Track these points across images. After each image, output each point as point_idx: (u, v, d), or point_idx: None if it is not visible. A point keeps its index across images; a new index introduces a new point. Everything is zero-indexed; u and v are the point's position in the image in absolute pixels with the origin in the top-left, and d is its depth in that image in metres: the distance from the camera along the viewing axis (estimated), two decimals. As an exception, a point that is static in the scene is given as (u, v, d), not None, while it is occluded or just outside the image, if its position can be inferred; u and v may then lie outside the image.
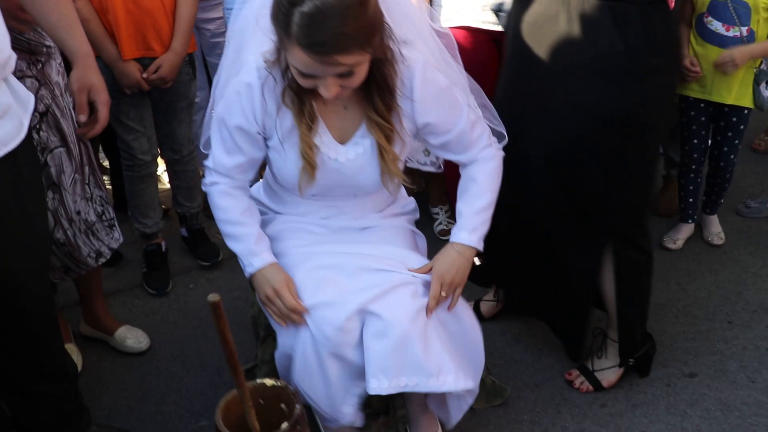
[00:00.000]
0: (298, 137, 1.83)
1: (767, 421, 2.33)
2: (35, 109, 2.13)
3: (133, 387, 2.56)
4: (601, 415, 2.37)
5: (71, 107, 2.26)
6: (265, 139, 1.90)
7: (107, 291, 2.86)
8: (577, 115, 2.11)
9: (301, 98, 1.78)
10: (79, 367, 2.57)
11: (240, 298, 2.93)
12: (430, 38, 1.91)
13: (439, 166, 2.26)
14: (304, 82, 1.69)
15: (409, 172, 3.31)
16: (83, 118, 2.02)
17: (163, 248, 3.13)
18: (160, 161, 3.39)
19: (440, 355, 1.85)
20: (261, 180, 2.19)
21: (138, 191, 3.00)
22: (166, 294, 3.04)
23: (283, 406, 1.82)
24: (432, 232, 3.31)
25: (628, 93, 2.07)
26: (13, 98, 1.72)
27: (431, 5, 2.80)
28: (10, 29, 1.94)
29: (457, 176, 2.05)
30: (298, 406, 1.75)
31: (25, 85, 2.02)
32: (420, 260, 1.98)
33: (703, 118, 3.03)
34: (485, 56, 2.78)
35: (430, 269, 1.93)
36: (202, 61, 3.30)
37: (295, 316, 1.85)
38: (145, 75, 2.72)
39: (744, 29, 2.78)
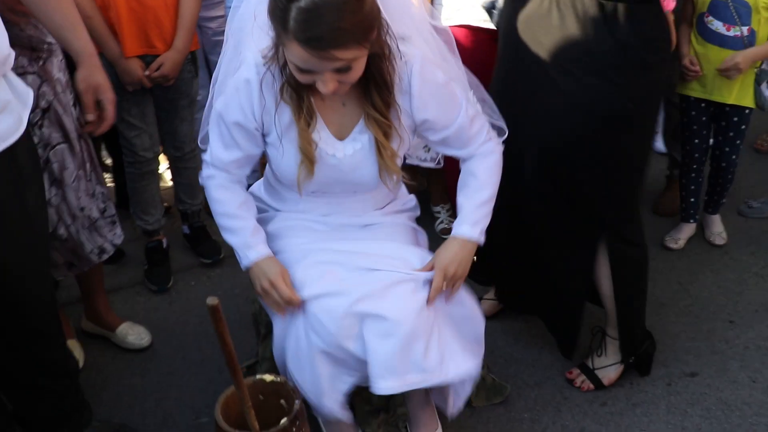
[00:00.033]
0: (296, 133, 1.83)
1: (768, 420, 2.33)
2: (37, 106, 2.14)
3: (134, 383, 2.57)
4: (601, 413, 2.37)
5: (73, 104, 2.27)
6: (264, 135, 1.90)
7: (109, 288, 2.86)
8: (570, 112, 2.12)
9: (299, 94, 1.79)
10: (81, 363, 2.58)
11: (241, 295, 2.94)
12: (428, 34, 1.92)
13: (439, 162, 2.27)
14: (301, 78, 1.70)
15: (411, 170, 3.33)
16: (91, 117, 2.06)
17: (164, 245, 3.14)
18: (163, 159, 3.41)
19: (443, 346, 1.87)
20: (262, 178, 2.19)
21: (139, 188, 3.01)
22: (167, 290, 3.05)
23: (282, 402, 1.83)
24: (433, 231, 3.31)
25: (619, 90, 2.08)
26: (12, 94, 1.73)
27: (432, 4, 2.81)
28: (9, 23, 1.96)
29: (459, 175, 2.05)
30: (297, 402, 1.76)
31: (26, 82, 2.04)
32: (422, 254, 1.98)
33: (704, 118, 3.03)
34: (486, 55, 2.78)
35: (433, 267, 1.93)
36: (204, 59, 3.31)
37: (292, 307, 1.87)
38: (147, 72, 2.74)
39: (745, 29, 2.78)
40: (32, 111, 2.11)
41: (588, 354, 2.49)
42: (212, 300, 1.50)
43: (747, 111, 2.95)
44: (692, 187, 3.19)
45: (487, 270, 2.52)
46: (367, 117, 1.83)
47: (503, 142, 2.05)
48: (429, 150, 2.51)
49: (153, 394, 2.52)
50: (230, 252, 2.87)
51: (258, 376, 1.84)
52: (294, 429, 1.71)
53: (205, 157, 1.97)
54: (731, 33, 2.81)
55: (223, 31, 2.00)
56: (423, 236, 2.16)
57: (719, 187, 3.18)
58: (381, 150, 1.85)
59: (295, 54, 1.63)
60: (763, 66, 2.87)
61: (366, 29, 1.63)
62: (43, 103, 2.16)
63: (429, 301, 1.88)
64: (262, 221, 2.08)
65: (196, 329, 2.80)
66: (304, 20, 1.56)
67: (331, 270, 1.89)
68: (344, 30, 1.57)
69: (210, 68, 3.35)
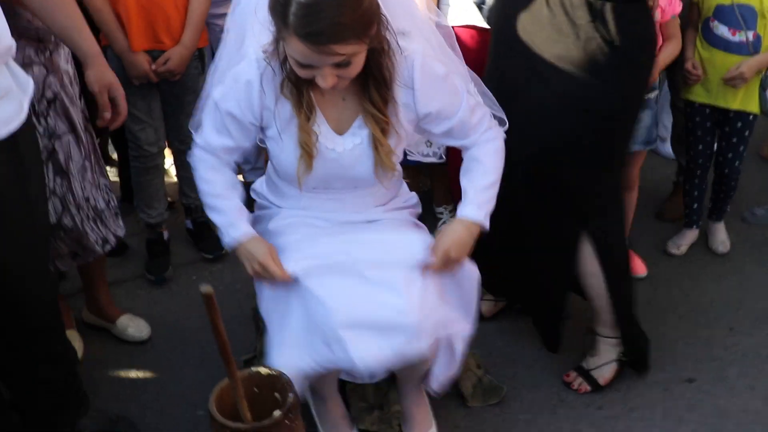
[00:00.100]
0: (296, 127, 1.84)
1: (764, 429, 2.32)
2: (43, 96, 2.17)
3: (133, 375, 2.59)
4: (597, 417, 2.37)
5: (79, 95, 2.30)
6: (263, 129, 1.92)
7: (111, 280, 2.89)
8: (558, 108, 2.15)
9: (299, 89, 1.80)
10: (80, 354, 2.60)
11: (242, 291, 2.95)
12: (427, 29, 1.93)
13: (441, 156, 2.27)
14: (301, 73, 1.71)
15: (414, 171, 3.34)
16: (109, 115, 2.11)
17: (165, 237, 3.16)
18: (168, 154, 3.43)
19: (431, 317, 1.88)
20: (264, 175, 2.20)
21: (143, 182, 3.03)
22: (164, 281, 3.07)
23: (277, 394, 1.83)
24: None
25: (607, 88, 2.11)
26: (14, 81, 1.75)
27: (438, 5, 2.81)
28: (17, 15, 1.98)
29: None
30: (291, 395, 1.76)
31: (33, 73, 2.07)
32: (424, 239, 1.99)
33: (708, 124, 3.02)
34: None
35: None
36: (212, 56, 3.32)
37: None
38: (154, 67, 2.76)
39: (750, 34, 2.78)
40: (38, 101, 2.14)
41: (584, 359, 2.50)
42: (206, 288, 1.51)
43: (751, 117, 2.95)
44: (696, 193, 3.18)
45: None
46: (365, 112, 1.84)
47: None
48: (431, 145, 2.51)
49: (151, 387, 2.53)
50: (232, 248, 2.90)
51: (253, 369, 1.84)
52: (287, 421, 1.72)
53: (197, 139, 1.98)
54: (736, 38, 2.80)
55: (231, 28, 2.01)
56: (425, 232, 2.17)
57: (722, 194, 3.17)
58: (377, 146, 1.86)
59: (295, 49, 1.64)
60: (769, 72, 2.87)
61: (366, 24, 1.64)
62: (49, 94, 2.19)
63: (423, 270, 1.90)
64: (264, 218, 2.09)
65: (196, 324, 2.81)
66: (304, 15, 1.58)
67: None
68: (344, 25, 1.59)
69: (217, 65, 3.37)
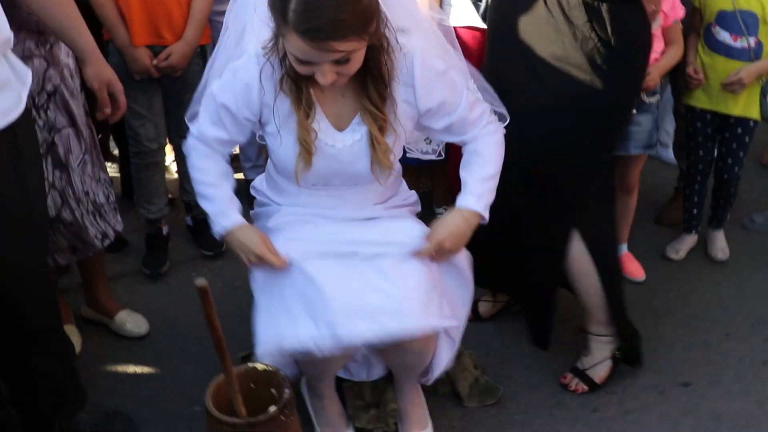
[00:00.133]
0: (295, 124, 1.85)
1: (759, 433, 2.33)
2: (43, 89, 2.18)
3: (130, 371, 2.59)
4: (593, 419, 2.38)
5: (80, 88, 2.30)
6: (262, 126, 1.93)
7: (110, 275, 2.89)
8: (552, 107, 2.17)
9: (298, 85, 1.81)
10: (78, 349, 2.61)
11: (242, 287, 2.94)
12: (427, 26, 1.94)
13: (440, 154, 2.28)
14: (301, 69, 1.72)
15: (415, 171, 3.35)
16: (109, 110, 2.14)
17: (165, 232, 3.17)
18: (169, 150, 3.44)
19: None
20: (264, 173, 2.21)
21: (143, 179, 3.05)
22: (159, 276, 3.08)
23: (273, 391, 1.84)
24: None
25: (602, 87, 2.13)
26: (12, 72, 1.77)
27: (441, 5, 2.82)
28: (17, 7, 1.99)
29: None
30: (287, 391, 1.77)
31: (33, 65, 2.07)
32: (421, 227, 2.01)
33: (709, 129, 3.03)
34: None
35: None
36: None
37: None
38: (155, 62, 2.77)
39: (752, 40, 2.79)
40: (38, 94, 2.15)
41: (578, 359, 2.50)
42: (201, 282, 1.51)
43: (752, 123, 2.95)
44: (695, 199, 3.19)
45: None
46: (363, 110, 1.85)
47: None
48: (430, 142, 2.52)
49: (149, 383, 2.54)
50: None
51: (250, 365, 1.86)
52: (283, 417, 1.73)
53: (191, 129, 2.00)
54: (738, 44, 2.81)
55: (234, 26, 2.02)
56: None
57: (722, 200, 3.17)
58: (375, 144, 1.87)
59: (295, 45, 1.65)
60: (770, 78, 2.87)
61: (365, 21, 1.64)
62: (49, 87, 2.20)
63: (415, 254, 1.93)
64: (264, 215, 2.10)
65: (194, 320, 2.81)
66: (304, 11, 1.58)
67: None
68: (343, 22, 1.59)
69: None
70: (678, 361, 2.62)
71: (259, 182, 2.19)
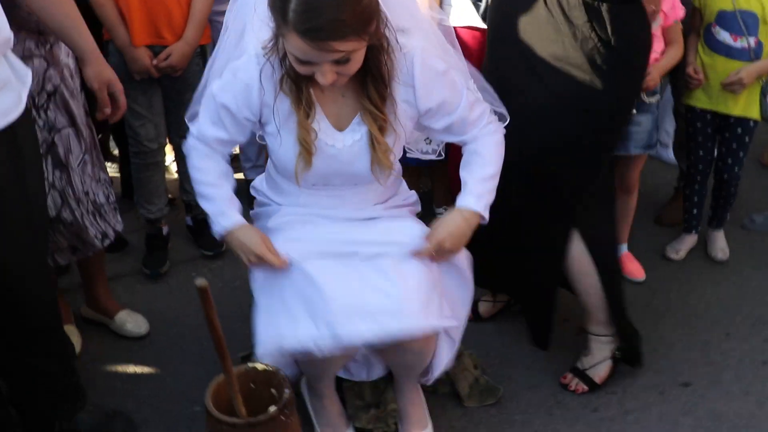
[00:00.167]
0: (295, 123, 1.85)
1: (759, 433, 2.33)
2: (43, 89, 2.18)
3: (130, 371, 2.59)
4: (592, 419, 2.38)
5: (80, 88, 2.31)
6: (262, 126, 1.93)
7: (111, 276, 2.90)
8: (554, 107, 2.17)
9: (298, 85, 1.81)
10: (78, 349, 2.61)
11: (242, 288, 2.94)
12: (427, 26, 1.94)
13: (440, 153, 2.28)
14: (301, 69, 1.72)
15: (415, 172, 3.35)
16: (108, 111, 2.14)
17: (164, 232, 3.17)
18: (169, 150, 3.44)
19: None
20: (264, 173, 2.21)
21: (143, 179, 3.05)
22: (159, 276, 3.08)
23: (273, 391, 1.84)
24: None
25: (602, 87, 2.13)
26: (12, 72, 1.77)
27: (441, 5, 2.82)
28: (17, 7, 1.99)
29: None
30: (287, 391, 1.77)
31: (33, 65, 2.07)
32: (420, 227, 2.02)
33: (709, 129, 3.03)
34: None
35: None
36: (214, 53, 3.33)
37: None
38: (155, 62, 2.77)
39: (752, 40, 2.79)
40: (38, 94, 2.15)
41: (578, 359, 2.51)
42: (201, 282, 1.51)
43: (752, 123, 2.95)
44: (695, 199, 3.19)
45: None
46: (363, 110, 1.85)
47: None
48: (430, 142, 2.52)
49: (148, 383, 2.54)
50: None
51: (250, 365, 1.86)
52: (283, 417, 1.73)
53: (191, 128, 2.00)
54: (738, 44, 2.81)
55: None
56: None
57: (722, 200, 3.17)
58: (375, 144, 1.87)
59: (295, 45, 1.65)
60: (770, 78, 2.87)
61: (365, 21, 1.64)
62: (49, 87, 2.20)
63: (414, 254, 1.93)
64: (264, 215, 2.10)
65: (194, 320, 2.81)
66: (304, 11, 1.59)
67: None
68: (343, 22, 1.59)
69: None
70: (678, 361, 2.62)
71: (259, 182, 2.19)
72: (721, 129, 3.02)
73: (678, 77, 3.06)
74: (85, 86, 2.22)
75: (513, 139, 2.09)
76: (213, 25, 3.15)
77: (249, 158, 3.55)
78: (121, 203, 3.34)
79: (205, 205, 1.99)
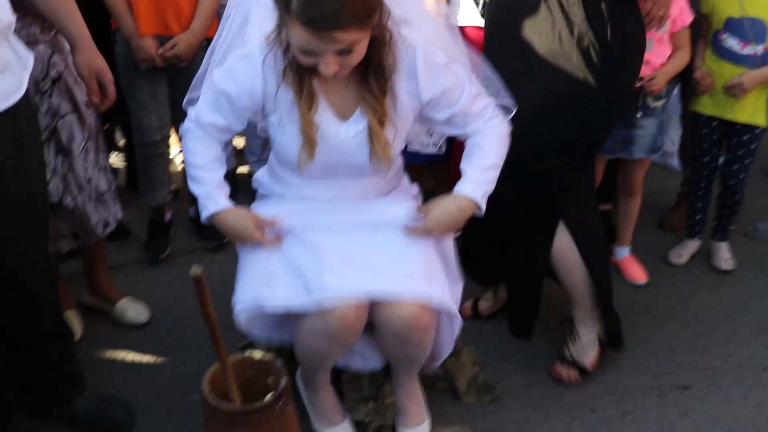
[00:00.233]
0: (298, 114, 1.85)
1: (756, 437, 2.33)
2: (47, 75, 2.19)
3: (129, 358, 2.59)
4: (590, 419, 2.37)
5: None
6: (265, 116, 1.93)
7: (113, 264, 2.91)
8: (546, 104, 2.19)
9: (301, 77, 1.82)
10: (79, 335, 2.62)
11: (242, 280, 2.95)
12: (430, 18, 1.95)
13: (441, 148, 2.28)
14: (303, 60, 1.73)
15: (418, 170, 3.35)
16: (97, 99, 2.14)
17: (167, 218, 3.18)
18: (174, 142, 3.44)
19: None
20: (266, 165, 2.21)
21: (147, 168, 3.07)
22: (158, 261, 3.10)
23: (269, 381, 1.84)
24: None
25: (595, 85, 2.15)
26: (14, 56, 1.78)
27: (449, 3, 2.83)
28: None
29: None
30: (283, 380, 1.77)
31: (37, 51, 2.08)
32: (414, 205, 2.05)
33: (715, 136, 3.02)
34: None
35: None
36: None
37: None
38: (161, 51, 2.78)
39: (760, 47, 2.79)
40: (42, 80, 2.16)
41: (564, 347, 2.53)
42: (195, 270, 1.52)
43: (758, 130, 2.95)
44: (699, 205, 3.18)
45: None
46: (364, 103, 1.86)
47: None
48: (432, 135, 2.50)
49: (147, 371, 2.54)
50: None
51: (246, 353, 1.86)
52: (278, 406, 1.73)
53: (190, 113, 2.01)
54: (746, 51, 2.81)
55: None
56: None
57: (727, 209, 3.15)
58: (373, 137, 1.88)
59: (298, 35, 1.66)
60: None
61: (368, 12, 1.66)
62: (53, 73, 2.20)
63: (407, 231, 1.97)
64: (264, 207, 2.10)
65: (194, 310, 2.74)
66: (307, 2, 1.60)
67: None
68: (346, 12, 1.61)
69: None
70: (678, 364, 2.62)
71: (261, 175, 2.20)
72: (728, 136, 3.01)
73: (687, 83, 3.06)
74: None
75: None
76: (219, 18, 3.16)
77: (254, 152, 3.55)
78: (127, 193, 3.36)
79: (194, 187, 2.00)
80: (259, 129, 2.08)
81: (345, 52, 1.69)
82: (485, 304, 2.78)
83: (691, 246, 3.25)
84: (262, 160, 3.43)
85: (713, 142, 3.04)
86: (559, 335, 2.58)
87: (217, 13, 2.96)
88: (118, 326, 2.73)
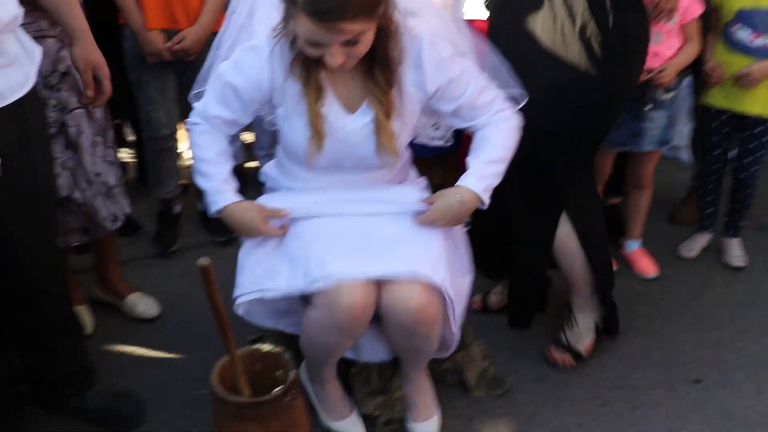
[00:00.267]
0: (306, 107, 1.85)
1: (768, 431, 2.31)
2: (56, 69, 2.19)
3: (140, 353, 2.60)
4: (600, 412, 2.36)
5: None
6: (273, 109, 1.94)
7: (123, 259, 2.92)
8: (548, 97, 2.17)
9: (308, 69, 1.82)
10: (90, 329, 2.64)
11: (252, 274, 2.96)
12: (437, 9, 1.94)
13: (448, 140, 2.28)
14: (310, 51, 1.73)
15: (427, 163, 3.34)
16: (91, 93, 2.15)
17: (175, 211, 3.19)
18: (183, 137, 3.45)
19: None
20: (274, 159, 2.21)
21: (156, 163, 3.09)
22: (166, 255, 3.11)
23: (278, 373, 1.85)
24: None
25: (597, 77, 2.15)
26: (22, 49, 1.78)
27: (457, -2, 2.82)
28: None
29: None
30: (292, 373, 1.78)
31: (46, 45, 2.09)
32: (420, 194, 2.05)
33: (725, 129, 3.00)
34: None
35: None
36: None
37: None
38: (168, 44, 2.78)
39: (771, 39, 2.77)
40: (50, 74, 2.16)
41: (560, 332, 2.54)
42: (203, 261, 1.52)
43: (769, 123, 2.93)
44: (710, 198, 3.16)
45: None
46: (370, 95, 1.86)
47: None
48: (438, 128, 2.50)
49: (157, 365, 2.55)
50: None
51: (255, 346, 1.87)
52: (287, 399, 1.74)
53: (196, 106, 2.01)
54: (757, 43, 2.79)
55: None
56: None
57: (738, 203, 3.13)
58: (379, 129, 1.87)
59: (304, 26, 1.66)
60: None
61: (373, 3, 1.66)
62: (61, 67, 2.21)
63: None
64: (272, 201, 2.10)
65: (204, 304, 2.76)
66: None
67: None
68: (352, 3, 1.61)
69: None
70: (689, 358, 2.60)
71: (269, 168, 2.20)
72: (739, 128, 2.98)
73: (698, 75, 3.03)
74: None
75: None
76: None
77: (262, 147, 3.55)
78: (137, 189, 3.37)
79: (201, 181, 2.00)
80: (267, 122, 2.08)
81: (351, 43, 1.68)
82: (495, 298, 2.78)
83: (702, 239, 3.23)
84: (270, 155, 3.43)
85: (723, 135, 3.02)
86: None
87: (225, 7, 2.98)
88: (128, 320, 2.74)
